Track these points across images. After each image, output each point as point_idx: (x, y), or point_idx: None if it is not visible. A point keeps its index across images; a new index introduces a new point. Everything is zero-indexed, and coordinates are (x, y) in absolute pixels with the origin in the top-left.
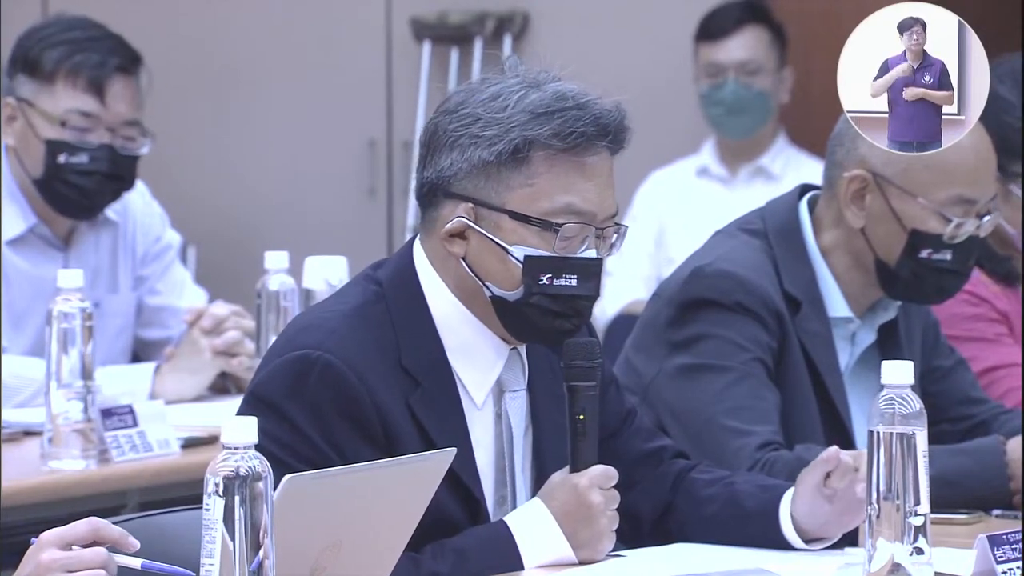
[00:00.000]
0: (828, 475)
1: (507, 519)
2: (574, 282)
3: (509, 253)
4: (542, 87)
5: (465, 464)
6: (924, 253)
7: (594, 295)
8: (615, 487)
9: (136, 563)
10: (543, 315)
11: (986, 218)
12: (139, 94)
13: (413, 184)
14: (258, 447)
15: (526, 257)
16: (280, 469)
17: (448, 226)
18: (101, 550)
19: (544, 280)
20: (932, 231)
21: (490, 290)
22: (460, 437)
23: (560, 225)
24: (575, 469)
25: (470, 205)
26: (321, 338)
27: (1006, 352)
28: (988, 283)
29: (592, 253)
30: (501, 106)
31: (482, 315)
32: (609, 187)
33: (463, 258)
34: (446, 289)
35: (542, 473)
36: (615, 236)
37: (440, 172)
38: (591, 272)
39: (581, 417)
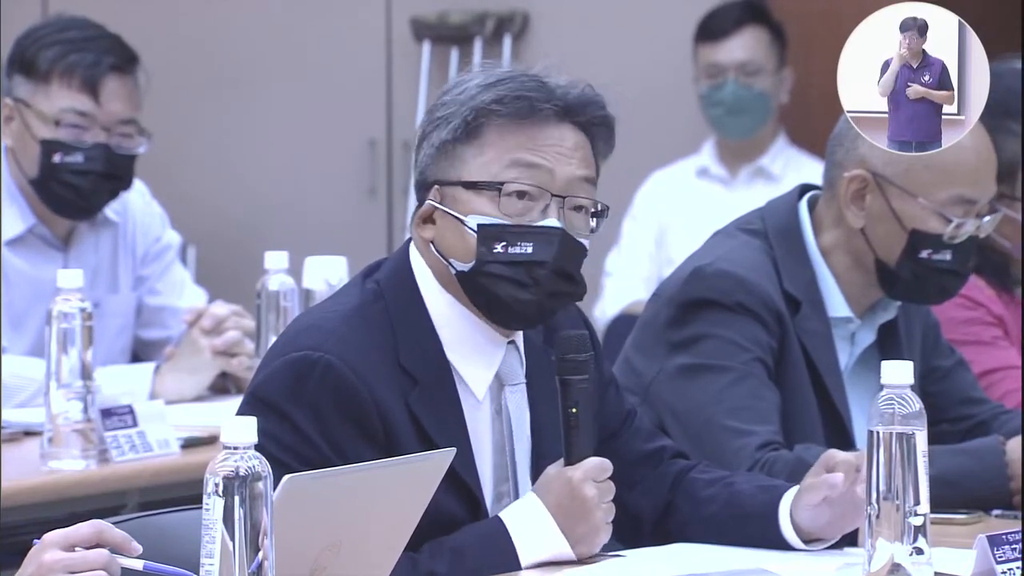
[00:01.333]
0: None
1: (503, 515)
2: (529, 249)
3: (464, 224)
4: (492, 68)
5: (465, 461)
6: (924, 253)
7: (552, 262)
8: (615, 487)
9: (138, 564)
10: (499, 282)
11: (986, 218)
12: (136, 93)
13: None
14: (259, 448)
15: (479, 226)
16: (281, 470)
17: (418, 212)
18: (104, 551)
19: (498, 248)
20: (932, 231)
21: (453, 266)
22: (459, 434)
23: (503, 183)
24: (569, 462)
25: (436, 187)
26: (322, 339)
27: (1003, 355)
28: (983, 287)
29: (553, 222)
30: (460, 89)
31: (470, 304)
32: (572, 158)
33: (432, 241)
34: (438, 285)
35: (542, 467)
36: (593, 215)
37: (418, 167)
38: (549, 239)
39: (574, 410)
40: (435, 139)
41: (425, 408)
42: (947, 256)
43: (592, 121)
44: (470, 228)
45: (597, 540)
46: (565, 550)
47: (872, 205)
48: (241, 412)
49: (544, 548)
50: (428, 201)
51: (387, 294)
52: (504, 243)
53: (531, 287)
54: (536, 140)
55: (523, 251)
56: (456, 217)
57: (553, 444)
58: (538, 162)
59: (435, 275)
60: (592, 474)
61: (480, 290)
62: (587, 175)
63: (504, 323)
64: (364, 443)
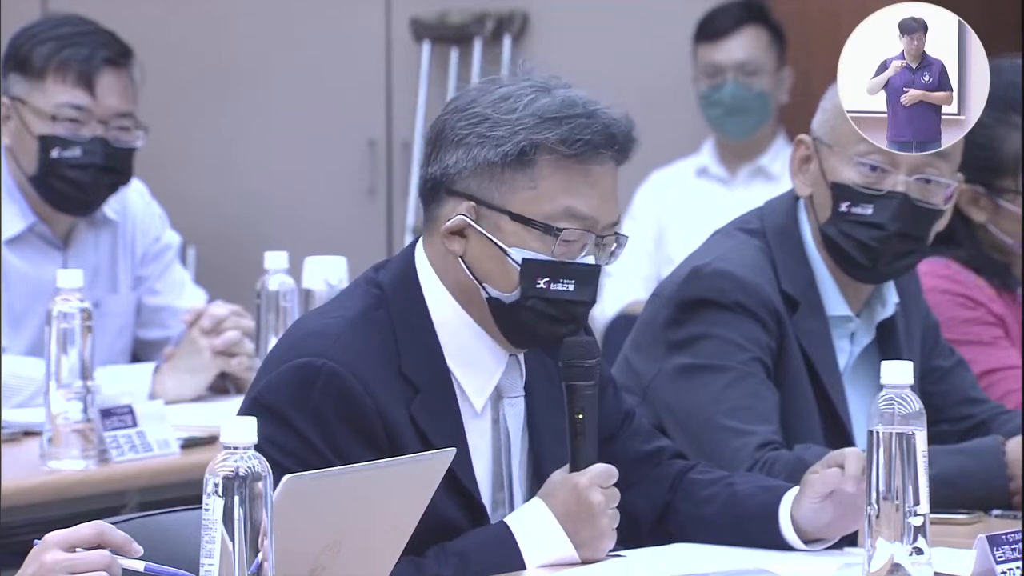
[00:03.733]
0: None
1: (508, 520)
2: (571, 287)
3: (507, 255)
4: (552, 92)
5: (465, 469)
6: (844, 206)
7: (591, 301)
8: (615, 487)
9: (139, 566)
10: (539, 319)
11: (915, 177)
12: (131, 87)
13: (416, 180)
14: (262, 454)
15: (524, 260)
16: (283, 476)
17: (449, 223)
18: (105, 552)
19: (541, 284)
20: (850, 182)
21: (487, 291)
22: (459, 443)
23: (561, 229)
24: (575, 468)
25: (472, 204)
26: (326, 346)
27: (1003, 355)
28: (983, 286)
29: (591, 260)
30: (510, 108)
31: (481, 319)
32: (612, 196)
33: (461, 257)
34: (447, 293)
35: (539, 478)
36: (615, 245)
37: (445, 169)
38: (589, 278)
39: (580, 416)
40: (478, 155)
41: (427, 416)
42: (868, 210)
43: (628, 151)
44: (514, 260)
45: (602, 545)
46: (570, 554)
47: (812, 170)
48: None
49: (549, 552)
50: (462, 217)
51: (391, 300)
52: (547, 279)
53: (569, 324)
54: (588, 183)
55: (565, 288)
56: (499, 245)
57: (553, 453)
58: (590, 214)
59: (447, 284)
60: (598, 480)
61: (515, 319)
62: (620, 215)
63: (522, 347)
64: (367, 450)
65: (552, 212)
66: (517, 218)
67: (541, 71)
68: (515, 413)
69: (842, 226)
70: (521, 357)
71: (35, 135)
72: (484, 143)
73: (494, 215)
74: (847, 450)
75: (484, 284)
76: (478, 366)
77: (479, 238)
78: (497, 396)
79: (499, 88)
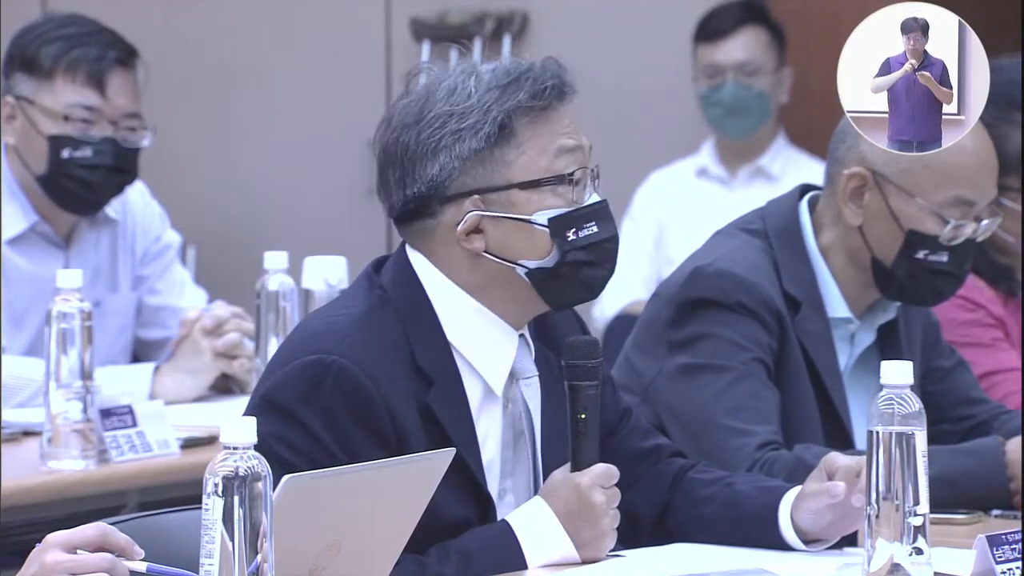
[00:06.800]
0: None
1: (509, 519)
2: (595, 227)
3: (532, 223)
4: (480, 67)
5: (476, 459)
6: (920, 254)
7: (615, 236)
8: (616, 487)
9: (142, 567)
10: (580, 269)
11: (984, 222)
12: (137, 87)
13: (387, 208)
14: (271, 452)
15: (549, 220)
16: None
17: (462, 225)
18: (107, 555)
19: (571, 236)
20: (929, 232)
21: (525, 266)
22: (472, 432)
23: (572, 173)
24: (576, 468)
25: (476, 197)
26: (335, 343)
27: (1003, 357)
28: (983, 288)
29: (595, 196)
30: (465, 95)
31: (499, 300)
32: (580, 130)
33: (486, 251)
34: (450, 284)
35: (546, 466)
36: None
37: (431, 181)
38: (604, 214)
39: (583, 416)
40: (461, 150)
41: (444, 406)
42: (943, 258)
43: (572, 84)
44: (540, 225)
45: (603, 545)
46: (572, 554)
47: (870, 203)
48: (251, 415)
49: (551, 552)
50: (472, 212)
51: (394, 298)
52: (574, 229)
53: (607, 263)
54: (561, 123)
55: (591, 231)
56: (520, 219)
57: (554, 447)
58: (575, 143)
59: (457, 280)
60: (600, 480)
61: (560, 280)
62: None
63: (562, 306)
64: (376, 447)
65: (549, 164)
66: (526, 185)
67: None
68: (532, 393)
69: (914, 270)
70: (528, 337)
71: (44, 135)
72: (461, 136)
73: (502, 195)
74: (840, 460)
75: (519, 262)
76: (492, 348)
77: (497, 223)
78: (511, 380)
79: (437, 87)
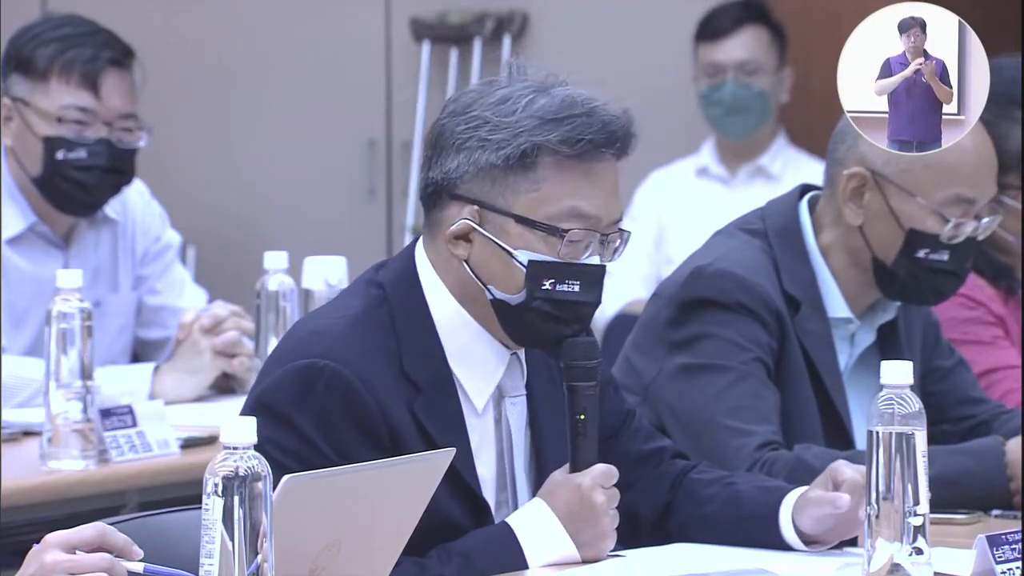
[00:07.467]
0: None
1: (509, 520)
2: (576, 288)
3: (513, 257)
4: (550, 92)
5: (469, 468)
6: (921, 253)
7: (596, 302)
8: (616, 487)
9: (139, 567)
10: (544, 320)
11: (985, 220)
12: (133, 87)
13: (416, 183)
14: (265, 455)
15: (530, 261)
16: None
17: (452, 228)
18: (106, 555)
19: (547, 285)
20: (930, 231)
21: (492, 293)
22: (462, 442)
23: (566, 231)
24: (575, 468)
25: (475, 208)
26: (328, 346)
27: (1003, 355)
28: (984, 286)
29: (596, 260)
30: (510, 110)
31: (483, 319)
32: (615, 193)
33: (466, 260)
34: (448, 293)
35: (542, 477)
36: (618, 241)
37: (447, 174)
38: (594, 279)
39: (582, 417)
40: (479, 159)
41: (430, 416)
42: (944, 256)
43: (628, 147)
44: (519, 262)
45: (604, 545)
46: (572, 554)
47: (871, 203)
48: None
49: (552, 552)
50: (466, 221)
51: (392, 299)
52: (553, 280)
53: (574, 324)
54: (591, 182)
55: (571, 289)
56: (504, 248)
57: (555, 452)
58: (594, 213)
59: (448, 284)
60: (600, 480)
61: (520, 321)
62: (622, 211)
63: (523, 346)
64: (370, 450)
65: (556, 213)
66: (522, 220)
67: (538, 69)
68: (517, 412)
69: (915, 270)
70: (522, 356)
71: (39, 136)
72: (485, 146)
73: (498, 218)
74: (847, 472)
75: (489, 286)
76: (479, 366)
77: (484, 241)
78: (499, 396)
79: (498, 90)
